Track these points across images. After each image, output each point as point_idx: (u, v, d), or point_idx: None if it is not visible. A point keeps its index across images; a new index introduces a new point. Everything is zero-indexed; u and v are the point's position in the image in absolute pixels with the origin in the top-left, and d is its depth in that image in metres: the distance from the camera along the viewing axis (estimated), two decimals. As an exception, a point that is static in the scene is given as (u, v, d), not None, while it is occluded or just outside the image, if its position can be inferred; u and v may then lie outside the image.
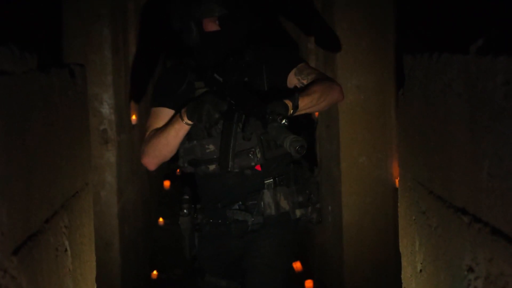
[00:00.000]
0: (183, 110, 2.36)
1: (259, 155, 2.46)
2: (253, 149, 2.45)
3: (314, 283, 4.24)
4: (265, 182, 2.52)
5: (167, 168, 6.47)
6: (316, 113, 4.10)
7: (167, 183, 6.30)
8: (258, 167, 2.50)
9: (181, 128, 2.39)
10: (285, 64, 2.53)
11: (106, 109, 3.37)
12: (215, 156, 2.48)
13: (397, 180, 3.41)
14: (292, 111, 2.28)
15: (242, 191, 2.53)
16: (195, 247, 2.66)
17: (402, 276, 1.78)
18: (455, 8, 2.58)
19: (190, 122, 2.34)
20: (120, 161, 3.54)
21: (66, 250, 1.57)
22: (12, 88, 1.19)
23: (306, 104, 2.33)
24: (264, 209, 2.51)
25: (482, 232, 1.14)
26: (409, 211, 1.67)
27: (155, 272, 4.72)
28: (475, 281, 1.19)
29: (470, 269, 1.21)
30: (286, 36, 4.76)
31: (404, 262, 1.76)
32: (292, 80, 2.50)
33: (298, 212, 2.56)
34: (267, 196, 2.51)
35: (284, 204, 2.53)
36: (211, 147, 2.48)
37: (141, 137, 4.33)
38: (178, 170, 6.15)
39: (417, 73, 1.53)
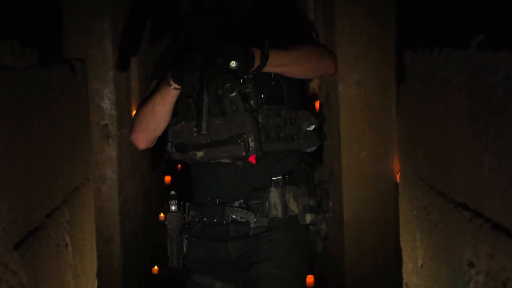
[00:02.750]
0: (169, 73, 2.07)
1: (252, 144, 2.09)
2: (244, 135, 2.08)
3: (315, 278, 4.24)
4: (273, 179, 2.17)
5: (168, 163, 6.47)
6: (317, 107, 4.09)
7: (168, 179, 6.30)
8: (252, 159, 2.15)
9: (167, 93, 2.09)
10: (289, 38, 2.23)
11: (107, 104, 3.37)
12: (203, 141, 2.15)
13: (398, 175, 3.41)
14: (260, 62, 1.95)
15: (243, 187, 2.20)
16: (183, 251, 2.32)
17: (403, 271, 1.78)
18: (456, 3, 2.57)
19: (177, 86, 2.05)
20: (121, 156, 3.54)
21: (67, 245, 1.57)
22: (13, 83, 1.19)
23: (279, 59, 2.00)
24: (270, 210, 2.15)
25: (483, 228, 1.14)
26: (410, 206, 1.67)
27: (156, 267, 4.73)
28: (476, 276, 1.19)
29: (471, 264, 1.21)
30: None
31: (405, 257, 1.76)
32: None
33: (308, 217, 2.19)
34: (274, 195, 2.15)
35: (293, 206, 2.17)
36: None
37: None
38: (179, 166, 6.14)
39: (418, 68, 1.53)
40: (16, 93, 1.20)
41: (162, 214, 5.56)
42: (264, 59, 1.96)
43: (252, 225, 2.17)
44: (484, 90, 1.12)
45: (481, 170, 1.14)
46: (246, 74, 1.97)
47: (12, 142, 1.17)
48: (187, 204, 2.31)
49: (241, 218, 2.18)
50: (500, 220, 1.08)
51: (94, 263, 1.93)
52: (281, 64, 2.04)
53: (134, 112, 4.15)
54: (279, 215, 2.16)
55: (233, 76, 1.93)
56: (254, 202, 2.18)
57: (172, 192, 2.30)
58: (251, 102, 2.11)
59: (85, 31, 3.28)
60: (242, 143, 2.09)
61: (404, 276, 1.78)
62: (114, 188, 3.46)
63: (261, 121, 2.11)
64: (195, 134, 2.12)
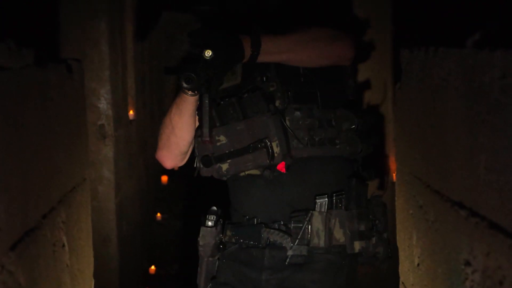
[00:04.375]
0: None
1: (276, 149, 1.80)
2: (266, 140, 1.81)
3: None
4: (317, 201, 1.85)
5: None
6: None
7: (164, 178, 6.30)
8: (282, 168, 1.86)
9: (182, 101, 1.87)
10: (299, 21, 1.94)
11: (104, 104, 3.36)
12: (226, 151, 1.88)
13: (394, 174, 3.41)
14: (252, 50, 1.69)
15: (283, 207, 1.91)
16: (213, 274, 2.02)
17: (399, 270, 1.78)
18: (452, 2, 2.58)
19: (189, 91, 1.79)
20: (118, 156, 3.54)
21: (63, 245, 1.57)
22: (9, 83, 1.19)
23: (276, 46, 1.74)
24: (311, 237, 1.83)
25: (479, 226, 1.14)
26: (406, 205, 1.67)
27: (153, 267, 4.72)
28: (473, 274, 1.19)
29: (468, 263, 1.21)
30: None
31: (401, 256, 1.76)
32: None
33: (357, 245, 1.85)
34: (317, 220, 1.83)
35: (339, 234, 1.84)
36: (222, 138, 1.87)
37: (138, 132, 4.33)
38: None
39: (414, 68, 1.53)
40: (12, 93, 1.20)
41: (159, 214, 5.55)
42: (256, 47, 1.70)
43: (289, 253, 1.86)
44: (480, 89, 1.12)
45: (477, 168, 1.14)
46: (230, 65, 1.71)
47: (8, 142, 1.17)
48: (226, 222, 2.03)
49: (278, 241, 1.89)
50: (496, 219, 1.08)
51: (91, 263, 1.93)
52: (279, 51, 1.77)
53: (131, 112, 4.16)
54: (322, 244, 1.85)
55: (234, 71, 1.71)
56: (294, 225, 1.87)
57: (213, 208, 2.02)
58: (277, 103, 1.86)
59: (82, 31, 3.27)
60: (265, 149, 1.81)
61: (400, 275, 1.78)
62: (110, 188, 3.46)
63: (288, 123, 1.83)
64: (201, 143, 1.89)
